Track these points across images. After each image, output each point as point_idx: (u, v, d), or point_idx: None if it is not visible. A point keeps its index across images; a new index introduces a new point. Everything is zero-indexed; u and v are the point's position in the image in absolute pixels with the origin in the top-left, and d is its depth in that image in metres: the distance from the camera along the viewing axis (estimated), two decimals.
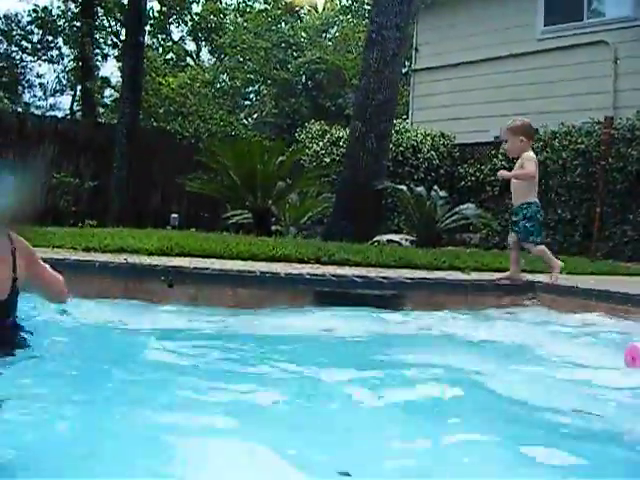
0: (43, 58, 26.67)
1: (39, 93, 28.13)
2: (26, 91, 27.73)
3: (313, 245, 7.70)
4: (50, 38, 26.01)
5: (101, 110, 26.23)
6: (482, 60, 14.98)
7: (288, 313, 4.67)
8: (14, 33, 26.06)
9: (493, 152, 13.36)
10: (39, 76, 27.74)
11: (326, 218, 12.38)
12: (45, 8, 25.35)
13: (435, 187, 11.47)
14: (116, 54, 25.99)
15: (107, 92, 26.93)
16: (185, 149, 16.32)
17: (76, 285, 3.57)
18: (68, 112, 27.86)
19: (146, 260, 5.71)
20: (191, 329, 4.02)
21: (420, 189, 10.99)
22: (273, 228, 11.06)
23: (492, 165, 13.23)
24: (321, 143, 15.39)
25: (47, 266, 3.08)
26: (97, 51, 25.56)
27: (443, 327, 4.44)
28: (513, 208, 6.35)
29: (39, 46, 26.31)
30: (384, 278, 5.46)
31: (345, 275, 5.60)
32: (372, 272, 5.97)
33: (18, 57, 26.77)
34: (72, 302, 3.39)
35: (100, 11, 24.94)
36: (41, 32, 25.92)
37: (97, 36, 25.51)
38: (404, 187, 11.13)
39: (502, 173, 6.91)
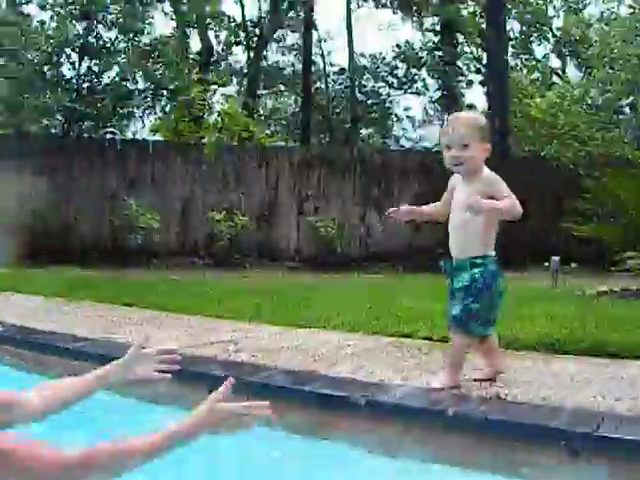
0: (409, 91, 27.10)
1: (408, 126, 28.68)
2: (395, 125, 28.47)
3: None
4: (414, 71, 26.40)
5: None
6: None
7: None
8: (379, 70, 26.97)
9: None
10: (406, 109, 28.33)
11: None
12: (407, 42, 25.87)
13: None
14: (480, 79, 25.35)
15: None
16: (563, 177, 14.37)
17: None
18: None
19: None
20: None
21: None
22: None
23: None
24: None
25: None
26: (460, 78, 25.15)
27: None
28: (454, 263, 3.84)
29: (404, 79, 26.83)
30: None
31: None
32: None
33: (385, 92, 27.60)
34: None
35: (460, 37, 24.56)
36: (405, 66, 26.46)
37: (459, 63, 25.12)
38: None
39: (479, 202, 3.59)
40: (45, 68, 15.59)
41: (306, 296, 8.00)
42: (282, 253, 14.71)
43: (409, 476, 3.22)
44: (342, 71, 26.51)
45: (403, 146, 27.24)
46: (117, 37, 16.12)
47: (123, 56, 16.10)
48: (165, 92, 16.82)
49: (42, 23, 15.88)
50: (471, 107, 25.60)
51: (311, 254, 14.33)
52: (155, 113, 17.43)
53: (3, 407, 2.27)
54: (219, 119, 16.76)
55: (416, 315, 5.97)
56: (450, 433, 3.33)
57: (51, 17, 15.96)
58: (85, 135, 16.06)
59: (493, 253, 3.78)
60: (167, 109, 17.37)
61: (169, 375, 2.56)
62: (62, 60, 15.67)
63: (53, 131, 16.57)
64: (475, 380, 3.93)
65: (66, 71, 15.95)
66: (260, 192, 15.00)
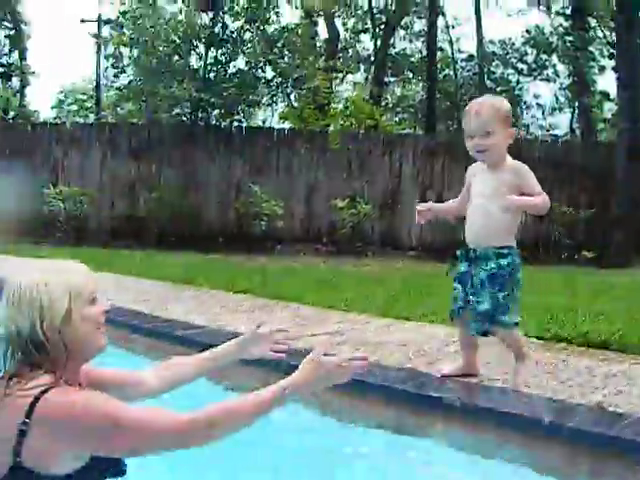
0: (539, 78, 26.27)
1: (538, 114, 27.87)
2: (525, 112, 27.71)
3: None
4: (544, 57, 25.58)
5: (601, 126, 24.68)
6: None
7: None
8: (509, 56, 26.34)
9: None
10: (536, 97, 27.59)
11: None
12: (537, 27, 25.07)
13: None
14: (613, 65, 24.19)
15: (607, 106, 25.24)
16: None
17: None
18: (567, 131, 26.95)
19: None
20: None
21: None
22: None
23: None
24: None
25: None
26: (592, 64, 24.07)
27: None
28: (477, 251, 3.66)
29: (534, 66, 26.07)
30: None
31: None
32: None
33: (514, 79, 26.96)
34: None
35: (592, 21, 23.49)
36: (535, 51, 25.71)
37: (591, 48, 24.04)
38: None
39: (514, 202, 3.53)
40: (174, 59, 16.09)
41: (422, 287, 7.86)
42: (404, 242, 14.56)
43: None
44: (470, 58, 26.01)
45: (532, 134, 26.40)
46: (243, 27, 16.40)
47: (249, 45, 16.36)
48: (291, 80, 16.99)
49: (170, 15, 16.39)
50: (604, 94, 24.60)
51: (434, 243, 14.08)
52: (282, 101, 17.66)
53: (118, 386, 2.32)
54: (345, 107, 16.78)
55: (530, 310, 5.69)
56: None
57: (179, 9, 16.44)
58: (212, 124, 16.45)
59: (515, 243, 3.70)
60: (292, 97, 17.55)
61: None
62: (190, 51, 16.13)
63: (183, 120, 17.07)
64: (443, 376, 3.86)
65: (194, 61, 16.41)
66: (383, 180, 14.91)
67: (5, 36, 28.11)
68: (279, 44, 16.77)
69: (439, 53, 24.15)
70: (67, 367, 2.21)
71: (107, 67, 21.88)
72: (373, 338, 5.03)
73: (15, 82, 28.93)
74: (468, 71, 26.80)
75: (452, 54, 25.91)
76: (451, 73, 26.12)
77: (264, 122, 18.81)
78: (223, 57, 16.15)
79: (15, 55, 29.25)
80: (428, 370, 4.06)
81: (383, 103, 23.18)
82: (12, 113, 27.85)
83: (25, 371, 2.18)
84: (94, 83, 27.11)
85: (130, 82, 18.71)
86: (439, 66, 24.23)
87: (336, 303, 6.53)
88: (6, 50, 28.92)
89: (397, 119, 26.09)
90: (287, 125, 16.80)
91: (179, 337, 5.06)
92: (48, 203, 14.51)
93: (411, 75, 27.95)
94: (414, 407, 3.62)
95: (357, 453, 3.35)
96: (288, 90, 17.71)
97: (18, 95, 28.43)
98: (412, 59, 26.99)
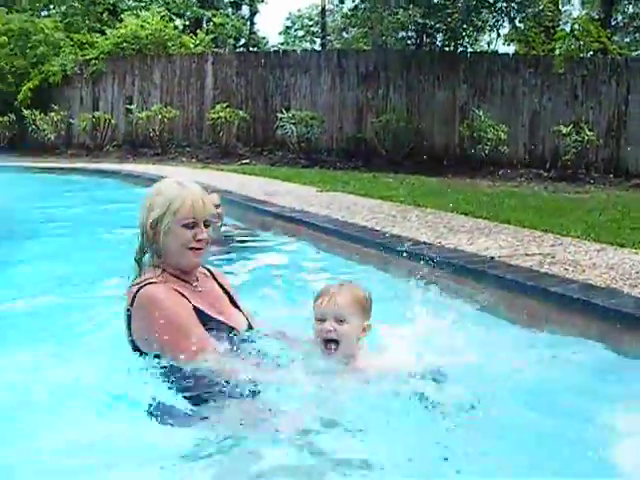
0: None
1: None
2: None
3: None
4: None
5: None
6: None
7: None
8: None
9: None
10: None
11: None
12: None
13: None
14: None
15: None
16: None
17: None
18: None
19: None
20: None
21: None
22: None
23: None
24: None
25: None
26: None
27: None
28: None
29: None
30: None
31: None
32: None
33: None
34: None
35: None
36: None
37: None
38: None
39: None
40: None
41: None
42: (629, 169, 14.19)
43: None
44: None
45: None
46: None
47: None
48: (514, 4, 16.74)
49: None
50: None
51: None
52: (504, 26, 17.48)
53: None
54: (571, 29, 16.31)
55: None
56: None
57: None
58: (437, 48, 16.72)
59: None
60: (517, 21, 17.31)
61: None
62: None
63: (407, 45, 17.48)
64: None
65: None
66: (609, 106, 14.50)
67: None
68: None
69: None
70: (166, 266, 2.94)
71: None
72: (584, 261, 5.15)
73: (245, 10, 30.59)
74: None
75: None
76: None
77: (489, 45, 18.71)
78: None
79: None
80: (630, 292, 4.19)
81: (612, 23, 21.99)
82: (242, 40, 29.56)
83: (145, 265, 2.97)
84: (319, 9, 28.06)
85: (355, 7, 19.33)
86: None
87: (554, 227, 6.67)
88: None
89: (628, 40, 24.58)
90: (511, 49, 16.68)
91: (406, 252, 5.39)
92: (281, 127, 15.68)
93: None
94: None
95: None
96: (512, 14, 17.46)
97: (248, 23, 30.05)
98: None
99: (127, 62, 18.61)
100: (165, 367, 2.73)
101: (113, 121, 18.12)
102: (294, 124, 15.47)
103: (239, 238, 6.80)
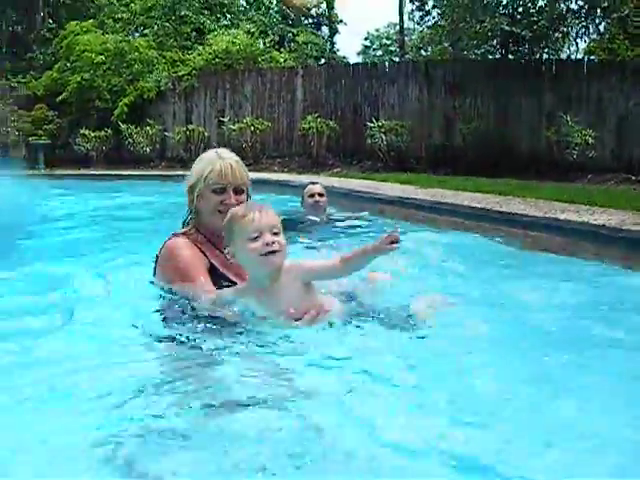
0: None
1: None
2: None
3: None
4: None
5: None
6: None
7: None
8: None
9: None
10: None
11: None
12: None
13: None
14: None
15: None
16: None
17: None
18: None
19: None
20: None
21: None
22: None
23: None
24: None
25: None
26: None
27: None
28: None
29: None
30: None
31: None
32: None
33: None
34: None
35: None
36: None
37: None
38: None
39: None
40: None
41: None
42: None
43: None
44: None
45: None
46: None
47: None
48: (599, 11, 16.86)
49: None
50: None
51: None
52: (589, 33, 17.60)
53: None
54: None
55: None
56: None
57: None
58: (523, 56, 16.98)
59: None
60: (601, 28, 17.42)
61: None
62: None
63: (490, 57, 17.76)
64: None
65: None
66: None
67: None
68: None
69: None
70: (200, 226, 3.33)
71: (412, 10, 23.04)
72: None
73: (325, 31, 31.42)
74: None
75: None
76: None
77: (576, 51, 18.83)
78: None
79: (323, 5, 31.66)
80: None
81: None
82: (323, 60, 30.36)
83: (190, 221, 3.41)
84: (397, 27, 28.63)
85: (435, 23, 19.75)
86: None
87: None
88: (315, 2, 31.41)
89: None
90: (596, 56, 16.77)
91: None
92: (371, 136, 16.18)
93: None
94: None
95: None
96: (597, 21, 17.57)
97: (328, 43, 30.86)
98: None
99: (218, 77, 19.50)
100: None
101: (206, 134, 18.92)
102: (384, 133, 15.95)
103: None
